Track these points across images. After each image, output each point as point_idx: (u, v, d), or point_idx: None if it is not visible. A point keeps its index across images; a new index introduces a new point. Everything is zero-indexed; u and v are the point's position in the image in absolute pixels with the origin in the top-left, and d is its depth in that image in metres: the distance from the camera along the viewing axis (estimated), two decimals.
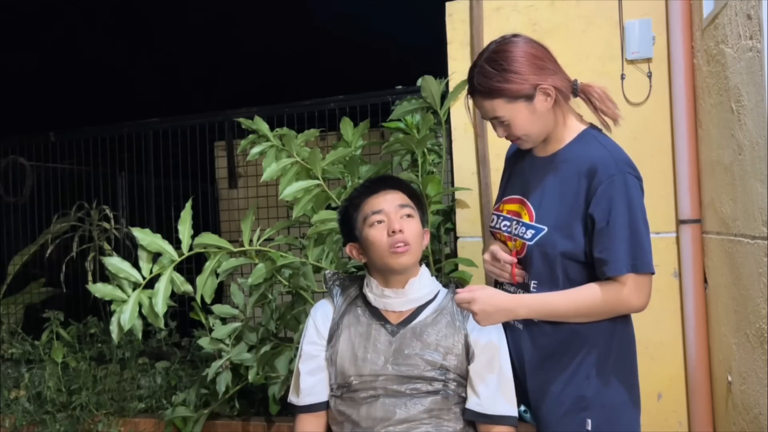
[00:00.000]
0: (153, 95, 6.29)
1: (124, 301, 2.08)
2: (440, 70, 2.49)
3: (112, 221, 3.65)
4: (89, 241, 3.67)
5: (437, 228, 2.51)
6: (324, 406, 1.66)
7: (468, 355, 1.60)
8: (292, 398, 1.70)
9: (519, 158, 1.68)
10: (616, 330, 1.51)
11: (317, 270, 2.31)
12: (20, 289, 3.96)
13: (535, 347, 1.55)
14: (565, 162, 1.53)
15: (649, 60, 2.26)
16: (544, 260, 1.51)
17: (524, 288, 1.56)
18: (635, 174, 1.47)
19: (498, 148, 2.44)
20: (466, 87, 1.56)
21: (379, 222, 1.60)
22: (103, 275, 3.13)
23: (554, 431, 1.51)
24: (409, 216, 1.62)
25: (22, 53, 6.07)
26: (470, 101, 1.56)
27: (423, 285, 1.65)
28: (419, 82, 2.44)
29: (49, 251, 3.67)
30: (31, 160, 3.91)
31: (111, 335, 2.07)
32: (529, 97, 1.47)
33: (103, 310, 3.52)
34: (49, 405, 3.10)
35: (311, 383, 1.66)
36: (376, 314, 1.65)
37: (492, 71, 1.46)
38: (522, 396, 1.60)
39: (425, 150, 2.41)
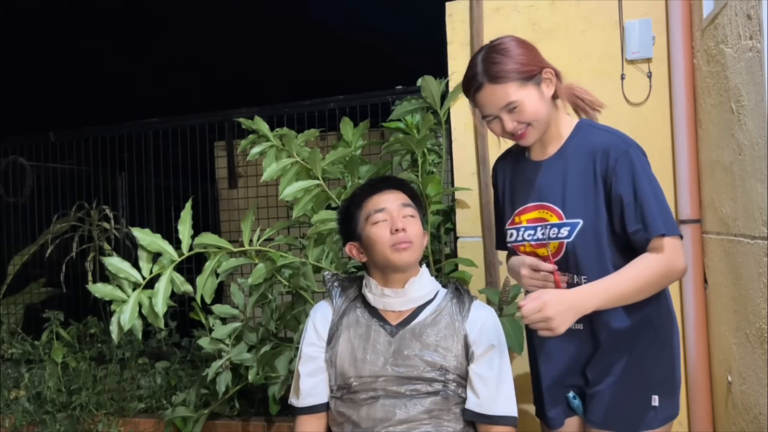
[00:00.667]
0: (153, 95, 6.28)
1: (124, 301, 2.08)
2: (440, 70, 2.49)
3: (112, 221, 3.64)
4: (89, 241, 3.67)
5: (437, 228, 2.51)
6: (324, 407, 1.66)
7: (467, 355, 1.60)
8: (292, 400, 1.70)
9: (515, 170, 1.68)
10: (672, 311, 1.58)
11: (317, 270, 2.31)
12: (20, 289, 3.96)
13: (598, 341, 1.54)
14: (572, 154, 1.55)
15: (649, 60, 2.26)
16: (588, 252, 1.50)
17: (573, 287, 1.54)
18: (641, 150, 1.52)
19: (498, 148, 2.44)
20: (471, 88, 1.54)
21: (383, 220, 1.61)
22: (103, 275, 3.13)
23: (620, 409, 1.52)
24: (411, 216, 1.63)
25: (22, 53, 6.06)
26: (470, 103, 1.57)
27: (423, 285, 1.65)
28: (419, 82, 2.44)
29: (49, 251, 3.67)
30: (31, 160, 3.91)
31: (111, 335, 2.07)
32: (537, 81, 1.51)
33: (103, 310, 3.52)
34: (49, 405, 3.10)
35: (311, 385, 1.66)
36: (376, 315, 1.65)
37: (501, 57, 1.49)
38: (572, 384, 1.60)
39: (425, 150, 2.41)
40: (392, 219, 1.60)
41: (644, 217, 1.44)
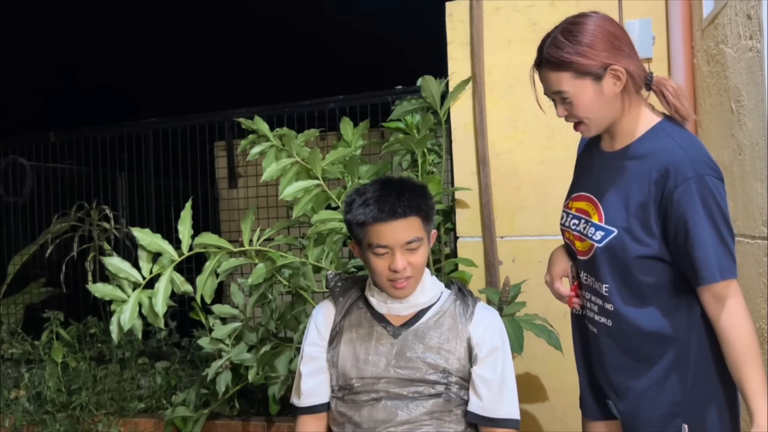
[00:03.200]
0: (153, 95, 6.29)
1: (124, 301, 2.08)
2: (440, 70, 2.50)
3: (112, 221, 3.64)
4: (89, 241, 3.67)
5: (437, 228, 2.51)
6: (325, 407, 1.66)
7: (470, 357, 1.60)
8: (293, 400, 1.70)
9: (587, 152, 1.59)
10: (705, 331, 1.40)
11: (317, 270, 2.30)
12: (20, 289, 3.96)
13: (614, 350, 1.47)
14: (634, 159, 1.42)
15: (649, 60, 2.26)
16: (614, 263, 1.42)
17: (593, 292, 1.50)
18: (716, 174, 1.34)
19: (498, 147, 2.44)
20: (535, 58, 1.43)
21: (384, 254, 1.54)
22: (103, 275, 3.13)
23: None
24: (417, 248, 1.55)
25: (22, 53, 6.06)
26: (535, 75, 1.46)
27: (426, 290, 1.63)
28: (419, 82, 2.45)
29: (49, 251, 3.67)
30: (31, 160, 3.91)
31: (111, 335, 2.07)
32: (598, 77, 1.36)
33: (103, 310, 3.52)
34: (49, 405, 3.10)
35: (312, 384, 1.65)
36: (378, 316, 1.64)
37: (564, 42, 1.37)
38: (605, 390, 1.55)
39: (425, 150, 2.41)
40: (393, 257, 1.52)
41: (696, 259, 1.31)
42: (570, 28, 1.40)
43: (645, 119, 1.43)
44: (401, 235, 1.52)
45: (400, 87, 3.01)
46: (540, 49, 1.43)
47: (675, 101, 1.41)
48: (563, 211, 1.59)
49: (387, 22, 5.71)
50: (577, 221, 1.52)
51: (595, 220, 1.46)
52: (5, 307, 3.81)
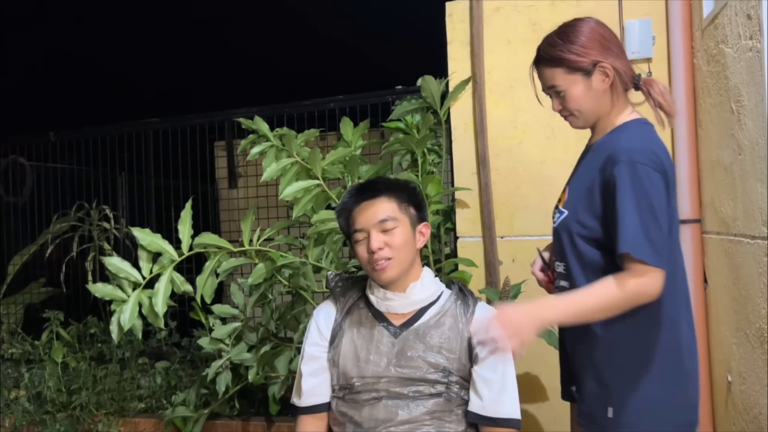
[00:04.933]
0: (153, 95, 6.28)
1: (124, 301, 2.08)
2: (440, 70, 2.49)
3: (112, 221, 3.64)
4: (89, 241, 3.66)
5: (437, 228, 2.51)
6: (325, 407, 1.66)
7: (471, 357, 1.60)
8: (294, 399, 1.70)
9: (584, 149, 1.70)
10: (638, 319, 1.44)
11: (317, 270, 2.31)
12: (20, 289, 3.95)
13: (570, 331, 1.57)
14: (595, 151, 1.55)
15: (649, 60, 2.26)
16: (564, 244, 1.54)
17: (559, 275, 1.59)
18: (652, 165, 1.41)
19: (498, 147, 2.44)
20: (534, 57, 1.57)
21: (362, 239, 1.60)
22: (103, 275, 3.13)
23: (588, 412, 1.53)
24: (392, 228, 1.59)
25: (22, 53, 6.06)
26: (534, 73, 1.59)
27: (425, 287, 1.65)
28: (419, 82, 2.44)
29: (49, 251, 3.67)
30: (31, 160, 3.91)
31: (111, 335, 2.07)
32: (587, 72, 1.50)
33: (103, 310, 3.52)
34: (49, 405, 3.10)
35: (313, 384, 1.66)
36: (379, 316, 1.64)
37: (557, 41, 1.52)
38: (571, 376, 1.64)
39: (425, 150, 2.41)
40: (369, 239, 1.58)
41: (616, 232, 1.39)
42: (565, 29, 1.55)
43: (623, 116, 1.55)
44: (373, 215, 1.59)
45: (400, 87, 3.01)
46: (537, 50, 1.58)
47: (659, 97, 1.53)
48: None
49: (387, 22, 5.70)
50: (555, 210, 1.65)
51: (561, 206, 1.59)
52: (5, 307, 3.81)
